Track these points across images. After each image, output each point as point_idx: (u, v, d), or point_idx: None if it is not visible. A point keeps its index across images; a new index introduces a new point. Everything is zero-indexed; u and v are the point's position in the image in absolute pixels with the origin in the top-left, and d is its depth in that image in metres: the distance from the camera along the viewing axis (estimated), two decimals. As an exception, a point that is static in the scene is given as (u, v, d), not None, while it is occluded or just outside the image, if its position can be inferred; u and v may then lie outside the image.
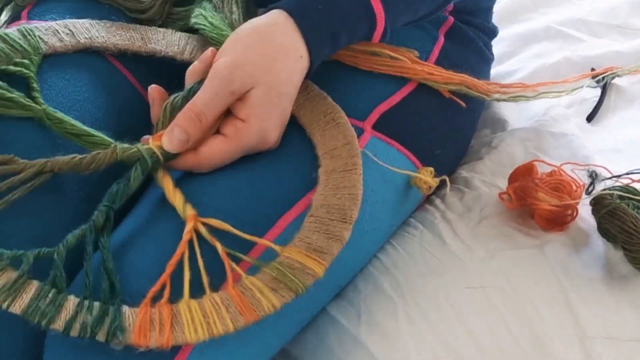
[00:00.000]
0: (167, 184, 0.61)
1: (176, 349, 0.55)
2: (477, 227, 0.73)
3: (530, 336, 0.63)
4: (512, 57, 1.04)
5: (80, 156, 0.60)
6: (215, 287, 0.56)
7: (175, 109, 0.63)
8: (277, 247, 0.59)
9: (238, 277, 0.57)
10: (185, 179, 0.62)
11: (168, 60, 0.72)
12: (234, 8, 0.73)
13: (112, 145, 0.61)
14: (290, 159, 0.64)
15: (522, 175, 0.74)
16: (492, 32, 0.88)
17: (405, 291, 0.69)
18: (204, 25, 0.71)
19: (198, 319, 0.54)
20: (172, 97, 0.64)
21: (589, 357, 0.61)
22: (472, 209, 0.76)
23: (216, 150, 0.61)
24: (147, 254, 0.58)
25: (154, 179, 0.62)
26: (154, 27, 0.75)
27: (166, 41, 0.74)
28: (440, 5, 0.73)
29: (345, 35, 0.65)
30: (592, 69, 0.96)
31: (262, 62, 0.61)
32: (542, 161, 0.75)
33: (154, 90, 0.65)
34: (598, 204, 0.69)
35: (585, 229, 0.71)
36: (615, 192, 0.69)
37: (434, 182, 0.71)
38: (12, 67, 0.66)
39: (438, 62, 0.75)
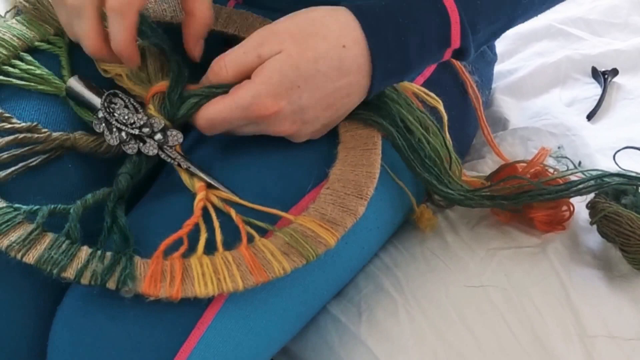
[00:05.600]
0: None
1: (186, 332, 0.56)
2: (477, 226, 0.73)
3: (530, 335, 0.63)
4: (513, 56, 1.04)
5: (101, 139, 0.62)
6: (228, 249, 0.57)
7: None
8: (290, 216, 0.59)
9: (252, 240, 0.58)
10: (211, 166, 0.63)
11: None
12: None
13: None
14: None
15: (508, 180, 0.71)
16: None
17: (406, 290, 0.69)
18: None
19: (209, 274, 0.55)
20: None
21: (590, 356, 0.61)
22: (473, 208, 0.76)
23: (211, 106, 0.60)
24: (163, 218, 0.60)
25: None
26: None
27: None
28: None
29: (414, 31, 0.60)
30: (593, 68, 0.96)
31: (296, 33, 0.59)
32: (522, 161, 0.73)
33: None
34: (593, 208, 0.69)
35: (586, 227, 0.71)
36: (611, 188, 0.69)
37: (434, 219, 0.73)
38: (44, 44, 0.69)
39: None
